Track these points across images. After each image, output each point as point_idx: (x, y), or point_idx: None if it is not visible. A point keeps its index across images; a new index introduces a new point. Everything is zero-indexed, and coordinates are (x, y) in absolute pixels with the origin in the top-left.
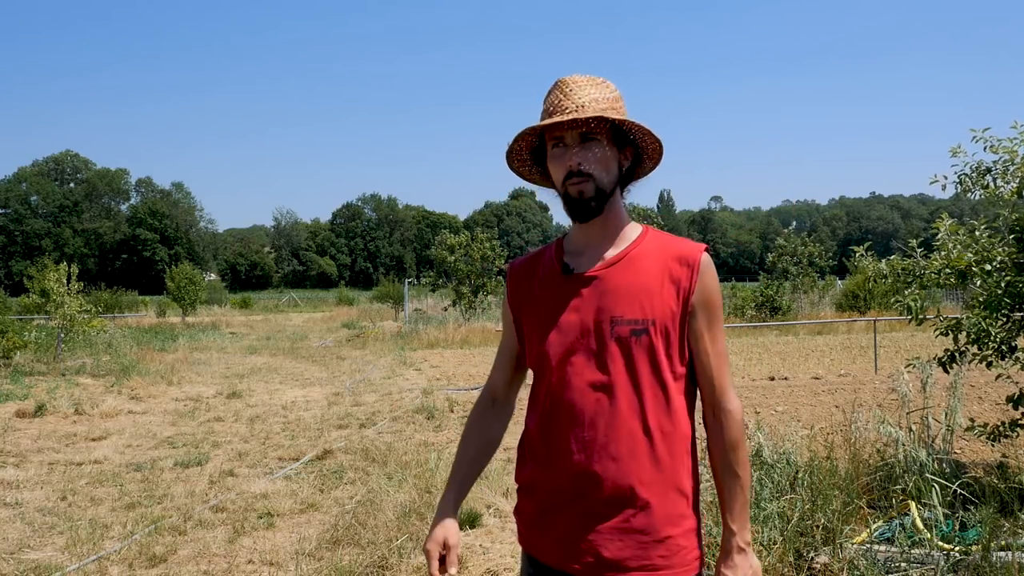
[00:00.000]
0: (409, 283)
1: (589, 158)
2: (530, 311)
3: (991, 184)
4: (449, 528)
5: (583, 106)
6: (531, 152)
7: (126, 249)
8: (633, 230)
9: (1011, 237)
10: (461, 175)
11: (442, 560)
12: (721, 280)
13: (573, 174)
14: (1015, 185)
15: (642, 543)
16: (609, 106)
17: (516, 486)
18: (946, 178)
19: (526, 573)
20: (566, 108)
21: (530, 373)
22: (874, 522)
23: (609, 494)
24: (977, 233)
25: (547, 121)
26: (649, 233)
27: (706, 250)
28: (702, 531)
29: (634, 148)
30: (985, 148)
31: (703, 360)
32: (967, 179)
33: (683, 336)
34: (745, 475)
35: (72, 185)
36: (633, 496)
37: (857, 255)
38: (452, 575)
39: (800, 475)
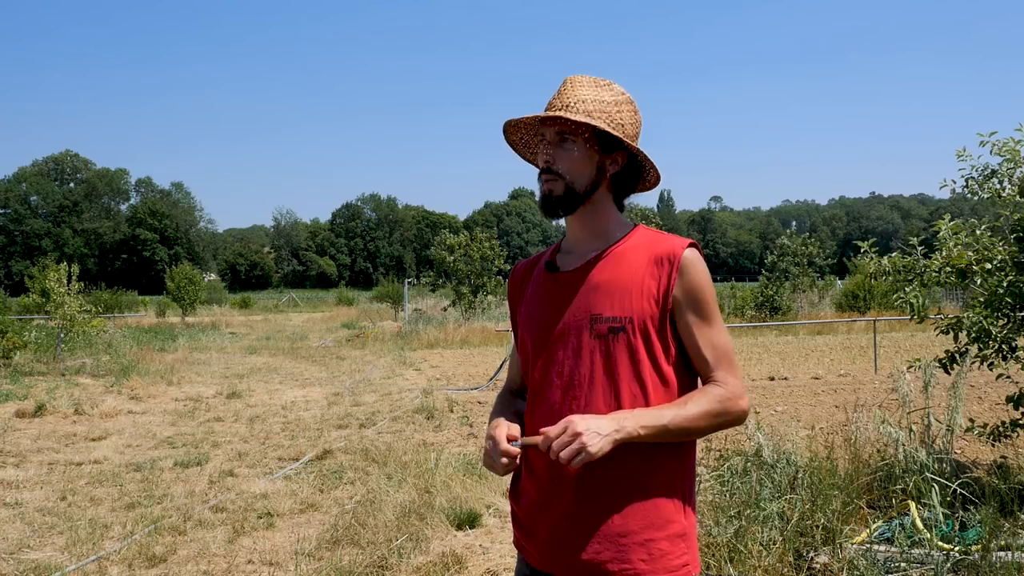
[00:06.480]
0: (409, 283)
1: (562, 157)
2: (522, 310)
3: (996, 187)
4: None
5: (569, 105)
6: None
7: (126, 249)
8: (621, 228)
9: (1012, 237)
10: (461, 175)
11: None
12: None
13: (543, 171)
14: (1018, 186)
15: (621, 546)
16: (598, 109)
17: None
18: (954, 182)
19: (521, 574)
20: (554, 105)
21: None
22: (874, 522)
23: (585, 495)
24: (978, 232)
25: (515, 118)
26: (639, 231)
27: (693, 245)
28: (696, 537)
29: (628, 155)
30: (991, 151)
31: (696, 354)
32: (973, 182)
33: (666, 334)
34: (693, 411)
35: (72, 185)
36: (609, 497)
37: (862, 250)
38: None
39: (800, 475)
